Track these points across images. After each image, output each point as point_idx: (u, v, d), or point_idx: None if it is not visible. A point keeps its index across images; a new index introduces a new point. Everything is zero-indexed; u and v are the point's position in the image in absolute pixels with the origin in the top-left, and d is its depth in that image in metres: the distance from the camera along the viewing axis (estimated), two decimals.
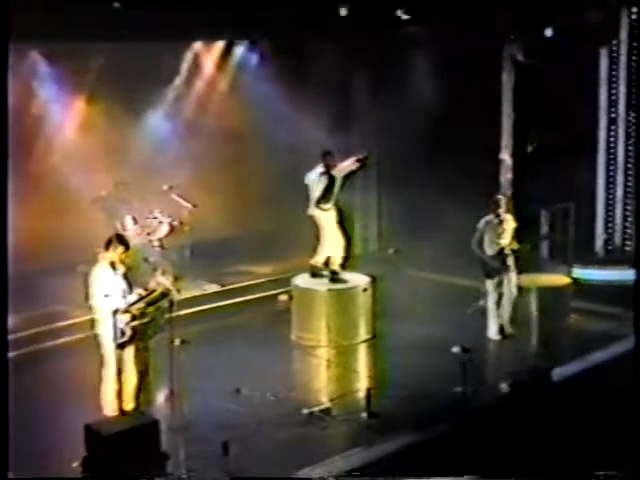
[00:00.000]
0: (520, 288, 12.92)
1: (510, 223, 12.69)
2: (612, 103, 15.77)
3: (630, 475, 8.40)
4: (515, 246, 12.68)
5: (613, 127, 15.84)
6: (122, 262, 9.59)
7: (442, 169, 14.86)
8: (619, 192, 15.94)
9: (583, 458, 8.93)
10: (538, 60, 14.88)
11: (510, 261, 12.71)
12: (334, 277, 13.21)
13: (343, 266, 13.39)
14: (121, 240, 9.76)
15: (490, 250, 12.61)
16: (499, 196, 12.88)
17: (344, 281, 13.26)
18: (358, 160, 13.12)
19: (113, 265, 9.51)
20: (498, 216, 12.61)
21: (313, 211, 13.19)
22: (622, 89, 15.58)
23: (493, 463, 8.76)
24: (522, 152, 15.39)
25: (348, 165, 13.11)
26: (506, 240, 12.62)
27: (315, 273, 13.33)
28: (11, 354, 11.29)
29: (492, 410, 10.32)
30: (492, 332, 12.90)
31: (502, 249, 12.62)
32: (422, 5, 14.13)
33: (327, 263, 13.37)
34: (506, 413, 9.95)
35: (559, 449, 9.20)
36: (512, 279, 12.80)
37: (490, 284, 12.78)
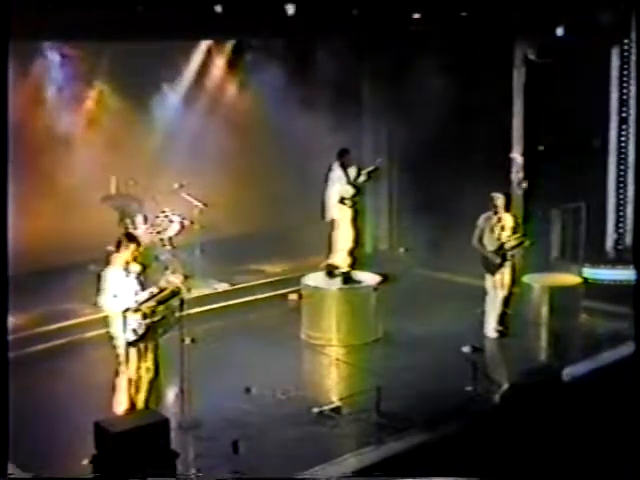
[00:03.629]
0: (513, 285, 13.00)
1: (509, 220, 12.80)
2: (623, 102, 15.70)
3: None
4: (513, 242, 12.76)
5: (624, 127, 15.77)
6: (135, 260, 9.56)
7: (453, 168, 14.85)
8: (630, 192, 15.86)
9: (592, 458, 8.92)
10: (549, 59, 14.85)
11: (508, 257, 12.80)
12: (347, 277, 13.20)
13: (353, 266, 13.38)
14: (131, 238, 9.74)
15: (490, 246, 12.75)
16: (495, 194, 12.90)
17: (357, 281, 13.28)
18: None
19: (126, 266, 9.49)
20: (497, 213, 12.78)
21: (332, 212, 13.21)
22: (633, 89, 15.52)
23: (503, 463, 8.75)
24: (533, 151, 15.35)
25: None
26: (505, 237, 12.74)
27: (332, 272, 13.32)
28: (22, 352, 11.47)
29: (502, 409, 10.30)
30: (490, 330, 12.93)
31: (502, 245, 12.73)
32: (433, 4, 14.10)
33: (341, 263, 13.37)
34: (515, 413, 9.93)
35: (568, 449, 9.18)
36: (505, 276, 12.86)
37: (490, 280, 12.85)
